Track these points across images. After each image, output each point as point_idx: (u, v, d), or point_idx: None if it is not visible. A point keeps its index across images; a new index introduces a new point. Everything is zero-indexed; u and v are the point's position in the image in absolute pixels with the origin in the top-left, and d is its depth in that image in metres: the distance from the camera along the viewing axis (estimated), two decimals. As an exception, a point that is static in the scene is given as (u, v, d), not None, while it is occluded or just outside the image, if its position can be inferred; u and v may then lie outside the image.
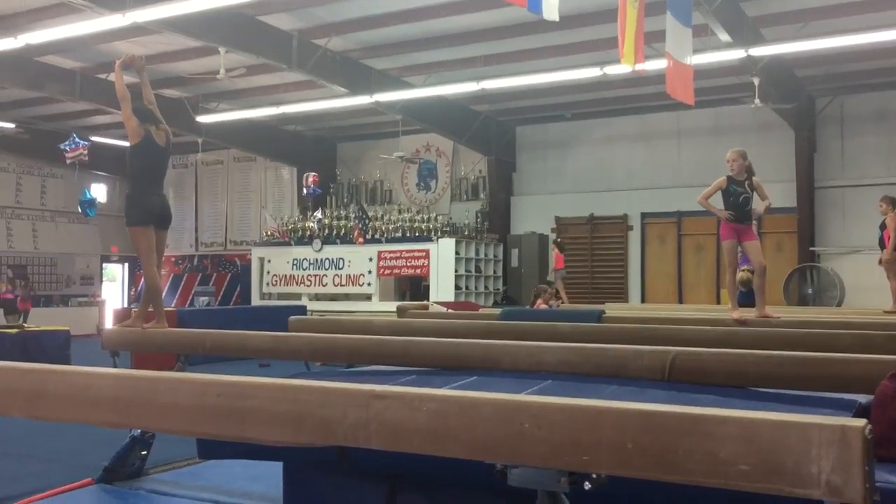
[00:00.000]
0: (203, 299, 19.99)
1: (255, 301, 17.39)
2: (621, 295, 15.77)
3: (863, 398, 3.07)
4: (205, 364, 7.71)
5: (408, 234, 16.19)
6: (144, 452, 4.74)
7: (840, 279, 13.78)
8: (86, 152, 14.82)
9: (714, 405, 2.96)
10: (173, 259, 21.42)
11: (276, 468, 3.73)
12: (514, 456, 1.93)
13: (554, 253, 15.22)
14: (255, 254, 17.99)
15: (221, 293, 20.29)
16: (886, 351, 3.88)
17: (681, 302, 14.95)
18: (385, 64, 14.01)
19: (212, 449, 3.56)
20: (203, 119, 16.12)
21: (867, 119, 14.30)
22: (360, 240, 16.24)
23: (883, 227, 8.98)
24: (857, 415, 2.81)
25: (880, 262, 8.98)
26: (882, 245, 8.94)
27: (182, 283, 21.10)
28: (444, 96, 15.07)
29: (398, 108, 14.94)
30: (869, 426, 1.58)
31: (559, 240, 15.65)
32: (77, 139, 14.85)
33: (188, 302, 20.33)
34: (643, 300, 15.57)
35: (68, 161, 14.94)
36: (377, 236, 16.38)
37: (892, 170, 13.87)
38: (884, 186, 12.56)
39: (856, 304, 12.66)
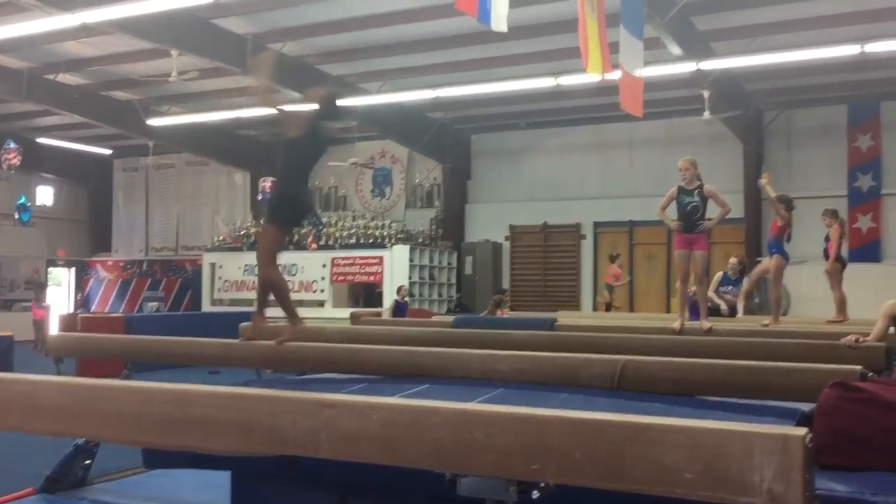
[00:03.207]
0: (152, 305, 19.63)
1: (206, 307, 17.15)
2: (574, 303, 15.91)
3: (806, 406, 3.14)
4: (153, 371, 7.58)
5: (362, 241, 16.13)
6: (88, 461, 4.63)
7: (787, 289, 14.07)
8: (13, 156, 14.42)
9: (661, 413, 3.00)
10: (122, 264, 21.03)
11: (224, 477, 3.68)
12: (464, 465, 1.93)
13: (611, 267, 14.13)
14: (207, 259, 17.75)
15: (171, 299, 19.96)
16: (829, 360, 3.98)
17: (632, 310, 15.12)
18: (341, 70, 13.95)
19: (158, 458, 3.50)
20: (154, 122, 15.86)
21: (812, 133, 14.65)
22: (314, 246, 16.13)
23: (827, 239, 9.20)
24: (801, 423, 2.86)
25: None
26: (826, 256, 9.15)
27: (131, 289, 20.71)
28: (400, 103, 15.06)
29: (353, 114, 14.88)
30: (809, 435, 1.61)
31: (615, 254, 14.59)
32: (10, 143, 14.47)
33: (137, 308, 19.96)
34: (595, 308, 15.70)
35: (3, 167, 14.56)
36: (331, 242, 16.29)
37: (835, 182, 14.23)
38: (828, 199, 12.88)
39: (801, 313, 12.93)
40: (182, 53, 12.08)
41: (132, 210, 21.03)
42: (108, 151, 19.93)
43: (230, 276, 17.17)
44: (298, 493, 3.30)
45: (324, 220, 16.79)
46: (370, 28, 11.91)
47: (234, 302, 17.03)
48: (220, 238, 17.88)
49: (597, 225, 16.21)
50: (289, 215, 5.11)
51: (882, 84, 13.56)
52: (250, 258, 16.86)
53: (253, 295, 16.64)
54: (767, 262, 8.97)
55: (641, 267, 15.82)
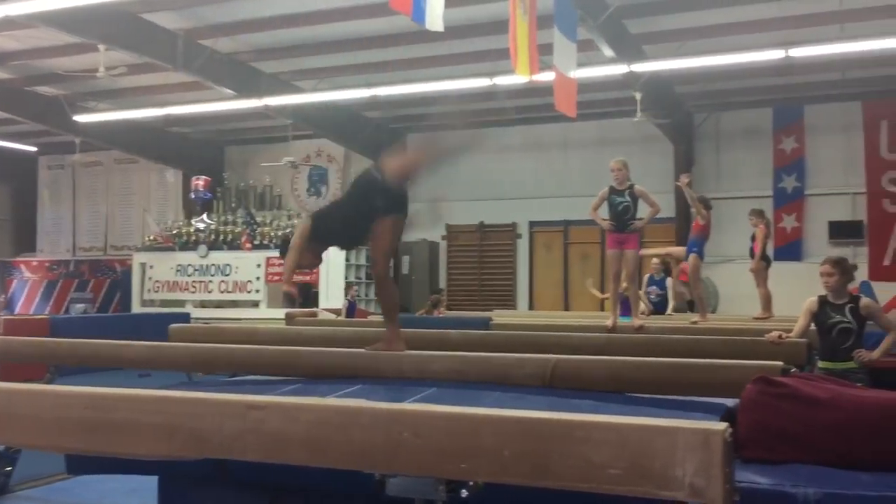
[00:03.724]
0: (79, 306, 19.06)
1: (136, 308, 16.73)
2: (509, 302, 16.02)
3: (731, 402, 3.21)
4: (79, 375, 7.36)
5: (297, 241, 15.93)
6: (9, 468, 4.48)
7: (715, 287, 14.42)
8: None
9: (591, 411, 3.04)
10: (47, 265, 20.38)
11: (151, 482, 3.60)
12: (393, 465, 1.92)
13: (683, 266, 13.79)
14: (137, 259, 17.32)
15: (100, 300, 19.43)
16: (754, 356, 4.08)
17: (566, 309, 15.31)
18: (275, 67, 13.78)
19: (81, 464, 3.40)
20: (81, 118, 15.41)
21: (740, 135, 15.05)
22: (248, 245, 15.90)
23: (753, 238, 9.47)
24: (725, 418, 2.93)
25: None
26: (752, 255, 9.42)
27: (57, 290, 20.09)
28: (336, 102, 14.95)
29: (288, 112, 14.73)
30: (730, 430, 1.65)
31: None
32: None
33: (63, 309, 19.37)
34: (531, 307, 15.86)
35: None
36: (266, 242, 16.07)
37: (761, 183, 14.63)
38: (754, 199, 13.25)
39: (730, 311, 13.26)
40: (110, 48, 11.76)
41: (58, 209, 20.39)
42: (32, 149, 19.30)
43: (161, 276, 16.80)
44: (228, 497, 3.24)
45: (258, 219, 16.59)
46: (305, 25, 11.79)
47: (165, 303, 16.67)
48: (151, 238, 17.46)
49: (532, 224, 16.36)
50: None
51: (805, 88, 14.01)
52: (183, 258, 16.57)
53: (186, 296, 16.50)
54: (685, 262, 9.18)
55: (576, 266, 16.02)
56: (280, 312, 12.93)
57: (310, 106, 14.57)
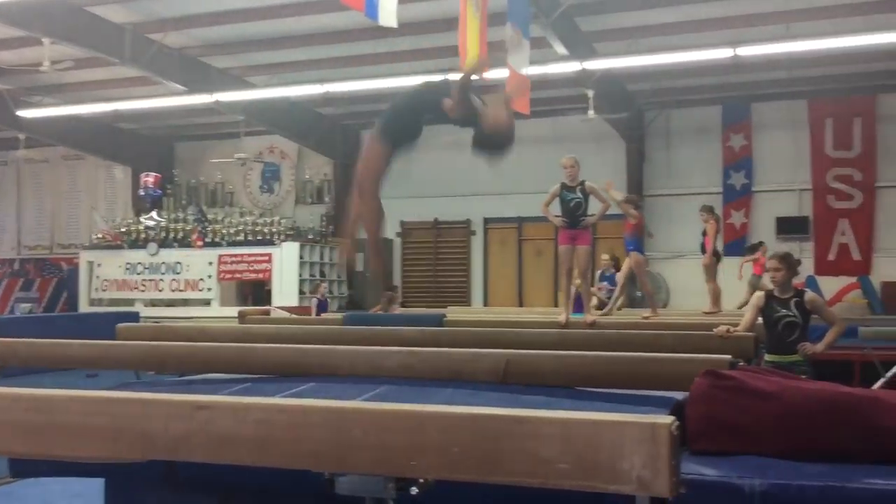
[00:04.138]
0: (24, 306, 18.59)
1: (84, 308, 16.39)
2: (464, 298, 16.06)
3: (680, 395, 3.25)
4: (25, 376, 7.18)
5: (250, 238, 15.78)
6: (-51, 474, 4.35)
7: (666, 282, 14.64)
8: None
9: (544, 406, 3.06)
10: (-9, 263, 19.88)
11: (98, 484, 3.53)
12: (343, 464, 1.90)
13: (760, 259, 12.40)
14: (84, 257, 16.97)
15: (46, 300, 19.00)
16: (703, 350, 4.14)
17: (521, 305, 15.39)
18: (226, 63, 13.61)
19: (25, 467, 3.31)
20: (25, 114, 15.05)
21: (690, 132, 15.29)
22: (199, 243, 15.69)
23: (704, 234, 9.63)
24: (674, 412, 2.96)
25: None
26: (703, 250, 9.58)
27: (1, 290, 19.58)
28: (289, 98, 14.82)
29: (240, 108, 14.56)
30: (676, 423, 1.66)
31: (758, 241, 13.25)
32: None
33: (8, 309, 18.89)
34: (486, 303, 15.91)
35: None
36: (217, 240, 15.87)
37: (711, 180, 14.89)
38: (704, 195, 13.47)
39: (680, 305, 13.48)
40: (55, 42, 11.50)
41: (2, 206, 19.88)
42: (-27, 144, 18.79)
43: (110, 275, 16.49)
44: (176, 499, 3.18)
45: (209, 216, 16.38)
46: (256, 20, 11.67)
47: (114, 302, 16.37)
48: (99, 236, 17.13)
49: (486, 221, 16.41)
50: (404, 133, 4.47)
51: (753, 86, 14.28)
52: (132, 256, 16.28)
53: (135, 295, 16.21)
54: (629, 260, 9.29)
55: (530, 262, 16.12)
56: (233, 311, 12.78)
57: (262, 102, 14.42)
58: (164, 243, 16.18)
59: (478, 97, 4.34)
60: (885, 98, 14.10)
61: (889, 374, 7.57)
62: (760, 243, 12.77)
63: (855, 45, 11.03)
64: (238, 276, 15.80)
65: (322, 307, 13.44)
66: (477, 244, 16.51)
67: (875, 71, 13.35)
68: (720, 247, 9.97)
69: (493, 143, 4.29)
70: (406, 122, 4.46)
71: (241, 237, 15.80)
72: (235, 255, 15.62)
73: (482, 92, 4.52)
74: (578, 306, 8.10)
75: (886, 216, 14.09)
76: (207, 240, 15.76)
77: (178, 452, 2.05)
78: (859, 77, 13.63)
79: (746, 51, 11.11)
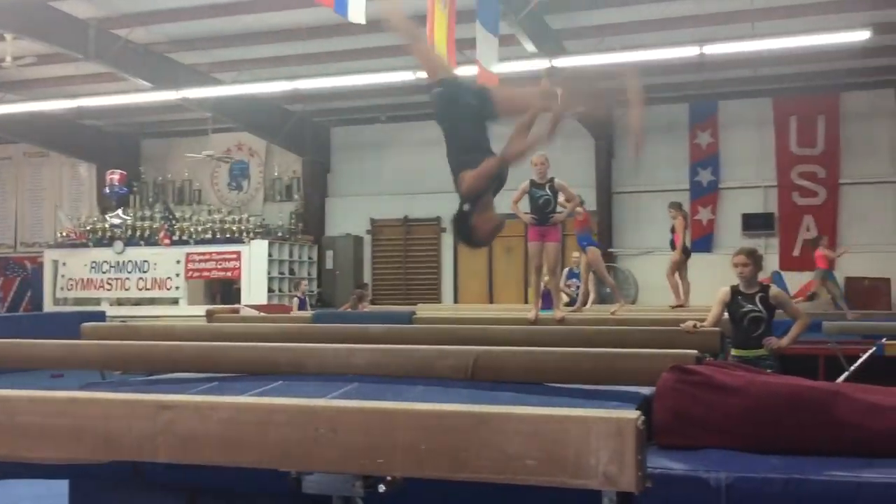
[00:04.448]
0: (-12, 306, 18.32)
1: (48, 307, 16.15)
2: (435, 296, 16.05)
3: (647, 390, 3.28)
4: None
5: (218, 236, 15.64)
6: None
7: (635, 278, 14.75)
8: None
9: (512, 402, 3.06)
10: (-47, 263, 19.49)
11: (62, 486, 3.48)
12: (310, 462, 1.89)
13: (824, 252, 12.28)
14: (49, 256, 16.72)
15: (9, 299, 18.68)
16: (670, 345, 4.17)
17: (491, 302, 15.41)
18: (193, 59, 13.46)
19: (-14, 469, 3.26)
20: (-14, 110, 14.78)
21: (658, 129, 15.36)
22: (166, 241, 15.52)
23: (673, 230, 9.72)
24: (641, 407, 2.99)
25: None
26: (673, 246, 9.67)
27: (-37, 289, 19.23)
28: (257, 95, 14.70)
29: (207, 105, 14.40)
30: (642, 418, 1.67)
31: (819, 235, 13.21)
32: None
33: (-29, 310, 18.56)
34: (456, 300, 15.91)
35: None
36: (185, 238, 15.71)
37: (678, 176, 15.02)
38: (672, 192, 13.58)
39: (649, 301, 13.59)
40: (18, 37, 11.32)
41: (-36, 205, 19.54)
42: (-66, 142, 18.42)
43: (75, 274, 16.26)
44: (142, 499, 3.15)
45: (177, 214, 16.20)
46: (224, 16, 11.55)
47: (79, 301, 16.14)
48: (64, 234, 16.88)
49: (457, 218, 16.40)
50: None
51: (719, 84, 14.44)
52: (98, 255, 16.06)
53: (101, 294, 15.99)
54: (585, 257, 9.34)
55: (500, 259, 16.15)
56: (201, 310, 12.65)
57: (230, 98, 14.29)
58: (130, 241, 15.99)
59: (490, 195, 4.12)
60: (848, 96, 14.32)
61: (853, 367, 7.70)
62: (822, 237, 12.81)
63: (819, 44, 11.18)
64: (206, 274, 15.65)
65: (302, 306, 13.41)
66: (447, 241, 16.48)
67: (838, 69, 13.55)
68: (688, 243, 10.06)
69: (469, 237, 4.06)
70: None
71: (209, 235, 15.66)
72: (203, 254, 15.48)
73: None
74: (548, 303, 8.13)
75: (849, 212, 14.32)
76: (175, 238, 15.60)
77: (143, 453, 2.02)
78: (823, 75, 13.83)
79: (713, 49, 11.20)
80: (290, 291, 15.96)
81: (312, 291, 16.16)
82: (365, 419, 1.84)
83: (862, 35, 10.50)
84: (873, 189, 14.23)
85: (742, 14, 11.04)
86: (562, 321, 6.77)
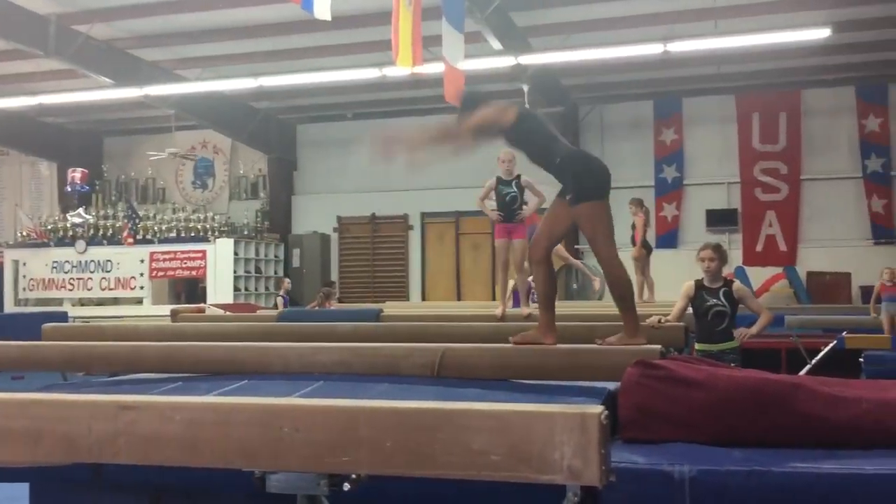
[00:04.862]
0: (-54, 308, 17.92)
1: (9, 308, 15.87)
2: (402, 293, 16.03)
3: (612, 385, 3.30)
4: (-56, 380, 6.92)
5: (183, 235, 15.48)
6: None
7: (601, 275, 14.84)
8: None
9: (477, 398, 3.07)
10: None
11: (22, 489, 3.42)
12: (274, 462, 1.88)
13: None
14: (9, 256, 16.43)
15: (-32, 301, 18.31)
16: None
17: (459, 299, 15.43)
18: (156, 55, 13.30)
19: (-57, 474, 3.19)
20: (-56, 107, 14.47)
21: (623, 126, 15.51)
22: (130, 240, 15.32)
23: (634, 227, 9.80)
24: (606, 401, 3.01)
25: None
26: (634, 243, 9.75)
27: (-80, 291, 18.80)
28: (222, 92, 14.56)
29: (171, 102, 14.24)
30: (605, 412, 1.68)
31: None
32: None
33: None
34: (424, 298, 15.91)
35: None
36: (149, 237, 15.53)
37: (644, 173, 15.14)
38: (637, 188, 13.68)
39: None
40: (-26, 33, 11.09)
41: (-80, 204, 19.13)
42: None
43: (36, 273, 16.00)
44: (105, 501, 3.11)
45: (141, 213, 16.01)
46: (187, 12, 11.43)
47: (41, 302, 15.89)
48: (25, 233, 16.59)
49: (424, 216, 16.39)
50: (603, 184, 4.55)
51: (683, 81, 14.58)
52: (60, 254, 15.81)
53: (63, 295, 15.75)
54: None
55: (467, 256, 16.17)
56: (165, 310, 12.51)
57: (194, 96, 14.13)
58: (92, 241, 15.77)
59: None
60: (809, 93, 14.54)
61: (814, 360, 7.83)
62: None
63: (781, 42, 11.34)
64: (171, 273, 15.48)
65: (286, 304, 13.42)
66: (415, 239, 16.48)
67: (800, 67, 13.76)
68: (652, 239, 10.15)
69: None
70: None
71: (173, 234, 15.49)
72: (168, 253, 15.31)
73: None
74: (516, 300, 8.15)
75: (811, 208, 14.55)
76: (139, 237, 15.41)
77: (103, 455, 1.99)
78: (785, 73, 14.03)
79: (676, 46, 11.31)
80: (256, 290, 15.86)
81: (268, 290, 16.07)
82: (329, 418, 1.82)
83: (822, 33, 10.67)
84: (834, 185, 14.47)
85: (706, 12, 11.16)
86: (528, 317, 6.78)
